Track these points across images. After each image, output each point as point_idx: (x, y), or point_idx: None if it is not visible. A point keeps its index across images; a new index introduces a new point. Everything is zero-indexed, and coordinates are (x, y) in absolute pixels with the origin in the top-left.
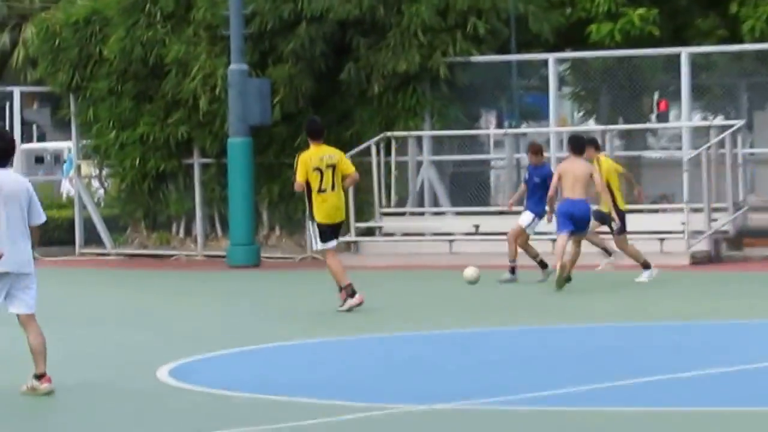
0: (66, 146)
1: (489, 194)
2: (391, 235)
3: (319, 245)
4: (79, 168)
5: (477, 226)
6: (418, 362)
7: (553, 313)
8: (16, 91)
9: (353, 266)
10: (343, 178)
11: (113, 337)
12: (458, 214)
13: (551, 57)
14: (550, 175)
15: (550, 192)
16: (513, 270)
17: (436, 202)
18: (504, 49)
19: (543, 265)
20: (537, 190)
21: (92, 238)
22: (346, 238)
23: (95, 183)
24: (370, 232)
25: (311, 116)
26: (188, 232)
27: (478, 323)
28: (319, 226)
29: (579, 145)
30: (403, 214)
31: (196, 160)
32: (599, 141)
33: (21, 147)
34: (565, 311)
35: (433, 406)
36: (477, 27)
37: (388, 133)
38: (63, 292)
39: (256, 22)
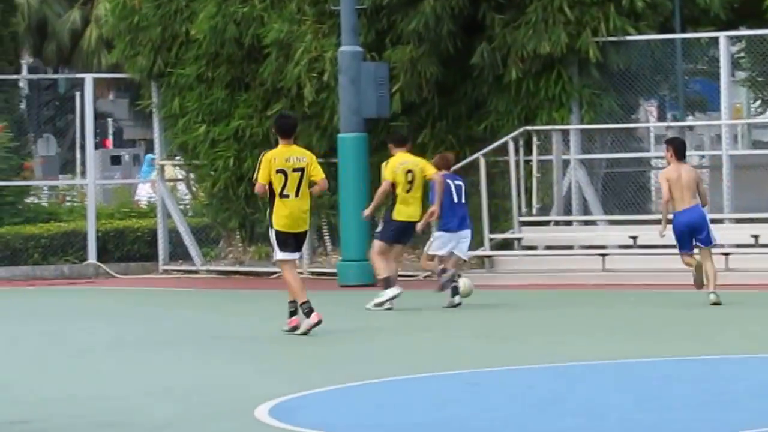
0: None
1: (649, 199)
2: (533, 248)
3: (278, 255)
4: (162, 169)
5: (634, 238)
6: (562, 399)
7: (711, 339)
8: (88, 79)
9: (486, 285)
10: (311, 184)
11: (205, 369)
12: (612, 223)
13: (723, 35)
14: None
15: (664, 198)
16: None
17: (585, 209)
18: (666, 27)
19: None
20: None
21: (178, 252)
22: (479, 252)
23: (181, 187)
24: (507, 244)
25: (282, 112)
26: None
27: (633, 351)
28: (278, 234)
29: (683, 148)
30: (546, 223)
31: None
32: None
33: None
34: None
35: None
36: (634, 0)
37: (529, 127)
38: (145, 316)
39: None
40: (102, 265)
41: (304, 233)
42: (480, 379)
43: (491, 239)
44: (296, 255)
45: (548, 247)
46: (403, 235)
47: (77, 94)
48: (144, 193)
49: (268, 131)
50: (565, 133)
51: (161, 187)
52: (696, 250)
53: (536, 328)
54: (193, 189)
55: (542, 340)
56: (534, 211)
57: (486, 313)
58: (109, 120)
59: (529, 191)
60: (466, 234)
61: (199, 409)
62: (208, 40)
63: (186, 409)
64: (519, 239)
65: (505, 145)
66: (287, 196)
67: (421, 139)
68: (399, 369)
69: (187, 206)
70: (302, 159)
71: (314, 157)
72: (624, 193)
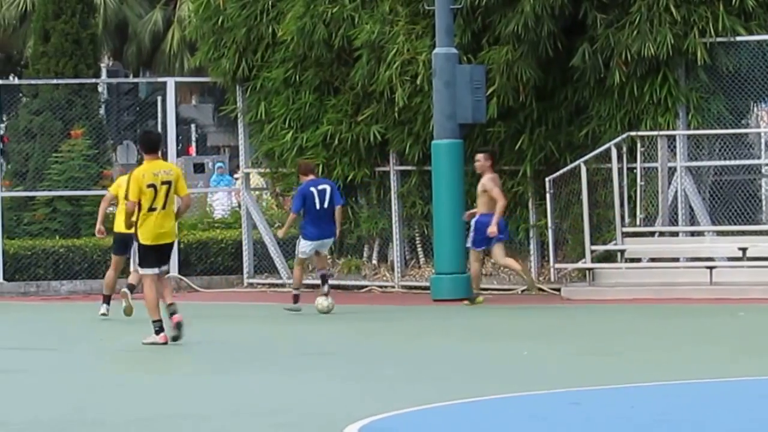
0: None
1: (759, 209)
2: (636, 260)
3: (140, 270)
4: (247, 178)
5: (744, 250)
6: (667, 420)
7: None
8: (171, 82)
9: (588, 299)
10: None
11: (292, 387)
12: (720, 234)
13: None
14: None
15: None
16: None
17: (692, 220)
18: None
19: None
20: None
21: (264, 265)
22: (580, 265)
23: (266, 196)
24: (609, 257)
25: (146, 128)
26: (383, 257)
27: (742, 369)
28: (141, 247)
29: None
30: (651, 234)
31: (393, 168)
32: None
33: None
34: None
35: None
36: None
37: (633, 133)
38: (228, 332)
39: None
40: (184, 278)
41: (170, 245)
42: (581, 398)
43: (593, 251)
44: (156, 270)
45: (653, 260)
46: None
47: (159, 99)
48: (218, 204)
49: (359, 137)
50: (671, 139)
51: (246, 196)
52: None
53: (640, 345)
54: (280, 199)
55: (646, 357)
56: (638, 221)
57: (588, 328)
58: (192, 126)
59: (632, 200)
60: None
61: (285, 429)
62: (296, 42)
63: (272, 428)
64: (622, 251)
65: (607, 152)
66: (155, 209)
67: (519, 146)
68: (496, 387)
69: (273, 216)
70: (170, 172)
71: (181, 172)
72: (733, 202)
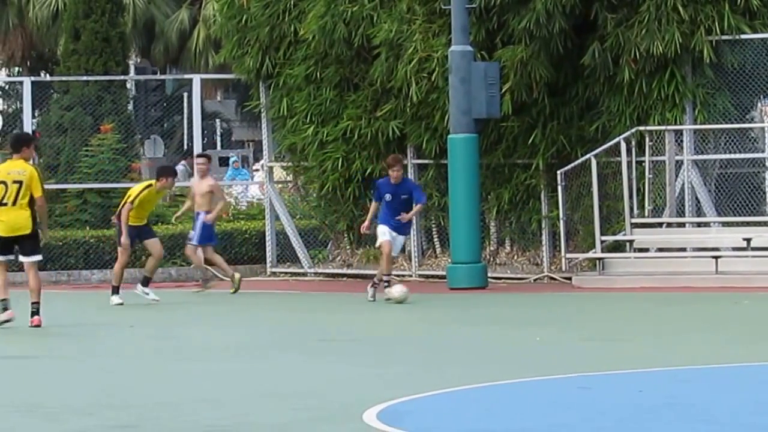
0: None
1: (764, 201)
2: (645, 250)
3: None
4: (270, 171)
5: (748, 240)
6: (674, 404)
7: None
8: (196, 79)
9: (598, 288)
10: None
11: (314, 372)
12: (726, 225)
13: None
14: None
15: None
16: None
17: (698, 211)
18: None
19: None
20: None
21: (286, 255)
22: (590, 255)
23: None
24: (618, 247)
25: (15, 131)
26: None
27: (747, 355)
28: None
29: None
30: (658, 225)
31: (410, 161)
32: None
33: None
34: None
35: None
36: None
37: (641, 128)
38: (252, 319)
39: None
40: (209, 268)
41: (23, 236)
42: (591, 383)
43: (603, 241)
44: (2, 258)
45: (660, 250)
46: None
47: (185, 95)
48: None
49: (378, 132)
50: (679, 134)
51: (269, 189)
52: None
53: (648, 332)
54: (302, 191)
55: (654, 343)
56: (646, 212)
57: (598, 316)
58: (217, 121)
59: (641, 193)
60: None
61: (308, 413)
62: (317, 40)
63: (295, 412)
64: (631, 241)
65: (617, 146)
66: (5, 204)
67: (532, 140)
68: (509, 372)
69: (296, 208)
70: (23, 173)
71: (36, 174)
72: (738, 194)
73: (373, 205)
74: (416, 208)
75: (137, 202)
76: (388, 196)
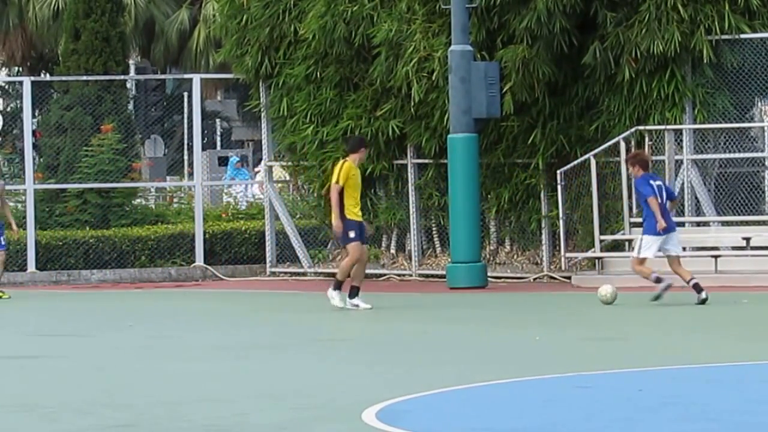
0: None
1: (763, 200)
2: None
3: None
4: (270, 171)
5: (748, 239)
6: (673, 403)
7: None
8: (196, 79)
9: (597, 287)
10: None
11: (312, 372)
12: (725, 224)
13: None
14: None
15: None
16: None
17: (698, 210)
18: None
19: None
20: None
21: (286, 254)
22: (589, 254)
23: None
24: (617, 246)
25: None
26: (401, 247)
27: (745, 354)
28: None
29: None
30: None
31: (410, 161)
32: None
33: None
34: None
35: None
36: None
37: (641, 127)
38: (252, 319)
39: None
40: (209, 267)
41: None
42: (591, 382)
43: (602, 241)
44: None
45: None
46: None
47: (185, 95)
48: (242, 196)
49: (378, 132)
50: (678, 133)
51: (269, 188)
52: None
53: (647, 331)
54: (301, 190)
55: (653, 342)
56: None
57: (597, 315)
58: (217, 120)
59: None
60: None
61: (306, 412)
62: (317, 40)
63: (294, 412)
64: (630, 241)
65: (616, 146)
66: None
67: (532, 140)
68: (509, 371)
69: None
70: None
71: None
72: (737, 193)
73: None
74: None
75: (343, 179)
76: None
